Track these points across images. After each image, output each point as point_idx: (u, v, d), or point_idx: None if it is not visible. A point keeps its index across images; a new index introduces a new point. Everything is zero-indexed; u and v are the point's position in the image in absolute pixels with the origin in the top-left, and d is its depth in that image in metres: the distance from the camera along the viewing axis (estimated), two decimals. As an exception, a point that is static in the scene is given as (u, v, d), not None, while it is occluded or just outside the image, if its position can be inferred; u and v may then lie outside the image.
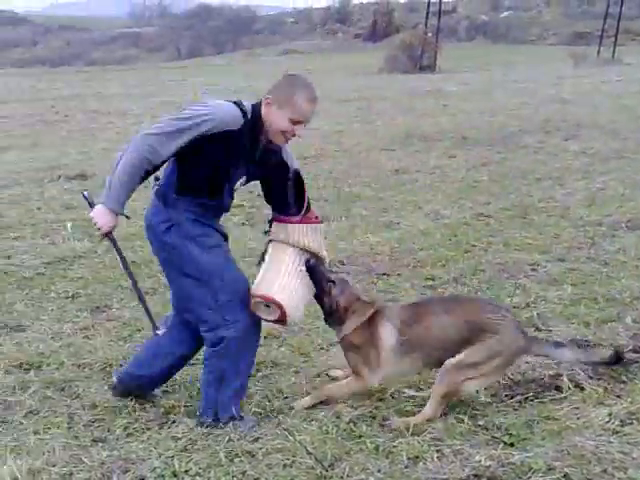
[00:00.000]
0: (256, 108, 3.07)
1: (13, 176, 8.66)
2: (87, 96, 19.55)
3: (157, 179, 3.14)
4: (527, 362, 3.59)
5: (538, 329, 4.08)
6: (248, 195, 7.83)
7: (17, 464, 2.77)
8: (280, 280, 3.14)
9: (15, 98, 18.77)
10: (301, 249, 3.23)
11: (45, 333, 4.11)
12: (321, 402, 3.31)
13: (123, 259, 3.15)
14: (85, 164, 9.46)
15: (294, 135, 3.06)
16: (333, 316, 3.32)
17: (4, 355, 3.79)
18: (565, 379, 3.42)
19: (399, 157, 10.28)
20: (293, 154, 3.29)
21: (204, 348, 3.22)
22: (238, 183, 3.20)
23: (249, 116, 3.02)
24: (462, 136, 11.88)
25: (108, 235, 2.99)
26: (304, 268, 3.21)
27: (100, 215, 2.93)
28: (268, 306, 3.11)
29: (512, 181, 8.33)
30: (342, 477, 2.76)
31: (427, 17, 31.96)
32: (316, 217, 3.34)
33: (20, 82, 24.75)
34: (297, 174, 3.27)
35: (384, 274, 5.26)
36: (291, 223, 3.25)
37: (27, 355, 3.79)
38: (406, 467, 2.87)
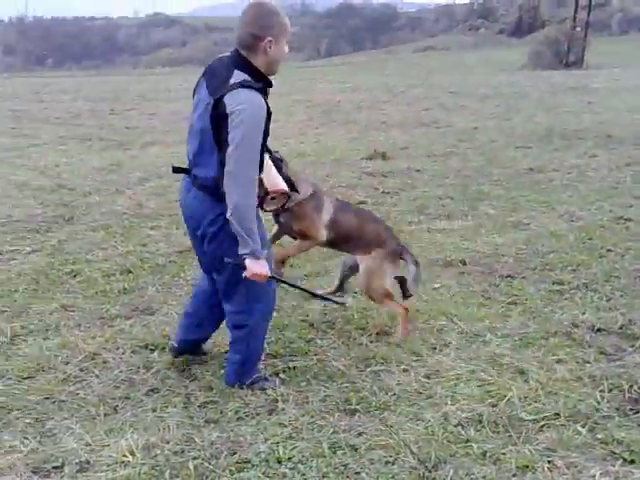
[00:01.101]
0: (251, 71, 3.05)
1: (155, 170, 9.21)
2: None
3: (189, 173, 3.20)
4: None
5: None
6: (372, 191, 7.86)
7: (134, 438, 2.96)
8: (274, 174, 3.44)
9: (163, 97, 19.92)
10: None
11: (171, 317, 4.34)
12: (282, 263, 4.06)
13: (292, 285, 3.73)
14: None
15: None
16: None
17: (133, 336, 4.04)
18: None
19: (535, 155, 9.86)
20: None
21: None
22: None
23: (257, 86, 3.02)
24: (606, 134, 11.21)
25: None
26: None
27: (258, 267, 3.09)
28: (274, 198, 3.43)
29: (658, 183, 7.75)
30: (444, 480, 2.71)
31: (576, 11, 30.44)
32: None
33: (169, 81, 26.25)
34: None
35: (508, 276, 5.07)
36: None
37: (153, 337, 4.02)
38: (514, 475, 2.77)
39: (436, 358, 3.78)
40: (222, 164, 3.02)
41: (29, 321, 4.32)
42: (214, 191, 3.11)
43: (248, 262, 3.07)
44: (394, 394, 3.40)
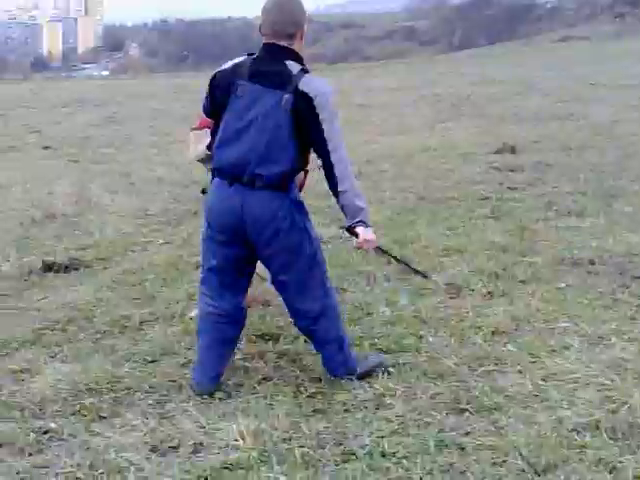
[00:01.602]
0: (298, 58, 3.18)
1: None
2: (354, 90, 20.47)
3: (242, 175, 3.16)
4: None
5: None
6: (497, 187, 7.63)
7: (245, 424, 3.05)
8: None
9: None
10: None
11: (285, 310, 4.43)
12: None
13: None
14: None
15: None
16: None
17: (250, 325, 4.16)
18: None
19: (681, 150, 9.15)
20: None
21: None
22: None
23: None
24: None
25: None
26: None
27: (370, 234, 3.22)
28: None
29: None
30: (554, 486, 2.59)
31: None
32: None
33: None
34: None
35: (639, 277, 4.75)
36: None
37: (268, 327, 4.14)
38: (632, 487, 2.60)
39: (555, 361, 3.61)
40: (299, 156, 3.11)
41: (157, 308, 4.58)
42: (281, 186, 3.16)
43: (362, 229, 3.18)
44: (507, 396, 3.29)
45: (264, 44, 3.20)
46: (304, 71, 3.13)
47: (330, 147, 3.13)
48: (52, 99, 20.18)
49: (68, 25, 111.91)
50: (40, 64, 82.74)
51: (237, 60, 3.25)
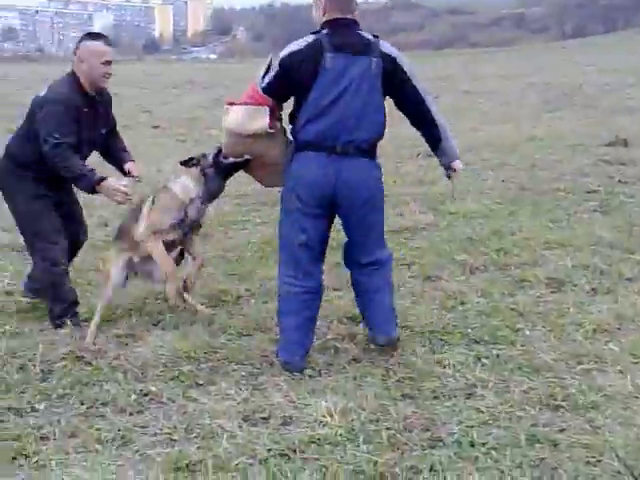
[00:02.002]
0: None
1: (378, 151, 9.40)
2: (460, 77, 20.09)
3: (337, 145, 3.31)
4: None
5: None
6: (607, 180, 7.30)
7: (333, 401, 3.09)
8: None
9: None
10: None
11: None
12: None
13: None
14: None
15: None
16: None
17: (338, 307, 4.21)
18: None
19: None
20: None
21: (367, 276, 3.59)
22: None
23: None
24: None
25: None
26: None
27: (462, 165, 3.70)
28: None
29: None
30: (653, 491, 2.47)
31: None
32: None
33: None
34: None
35: None
36: None
37: (356, 309, 4.15)
38: None
39: (661, 364, 3.44)
40: (385, 120, 3.39)
41: (252, 285, 4.70)
42: (371, 151, 3.40)
43: (458, 163, 3.65)
44: (605, 395, 3.16)
45: (334, 19, 3.36)
46: (376, 37, 3.38)
47: (428, 103, 3.47)
48: (163, 80, 20.99)
49: (179, 8, 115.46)
50: (152, 46, 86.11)
51: (308, 39, 3.35)
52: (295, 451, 2.78)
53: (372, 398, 3.16)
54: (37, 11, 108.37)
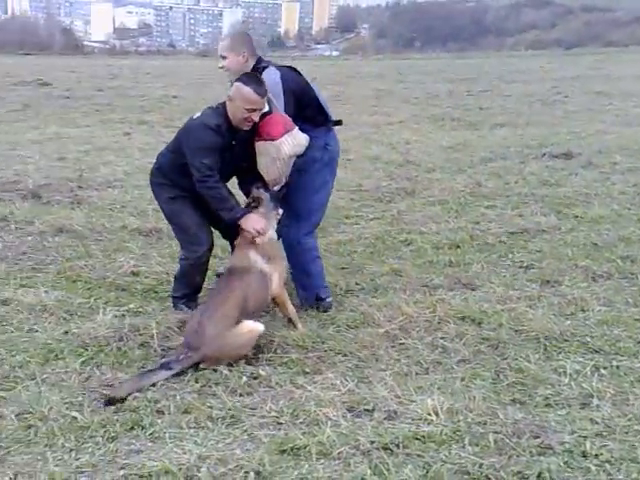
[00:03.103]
0: None
1: (501, 150, 9.16)
2: (592, 77, 19.14)
3: None
4: None
5: None
6: None
7: (440, 400, 3.06)
8: None
9: (522, 79, 19.56)
10: None
11: (492, 295, 4.33)
12: None
13: None
14: (573, 144, 9.37)
15: None
16: None
17: (451, 307, 4.13)
18: None
19: None
20: None
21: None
22: None
23: None
24: None
25: None
26: None
27: None
28: None
29: None
30: None
31: None
32: None
33: (529, 63, 25.63)
34: None
35: None
36: None
37: (471, 311, 4.06)
38: None
39: None
40: None
41: (362, 279, 4.72)
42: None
43: None
44: None
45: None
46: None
47: None
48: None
49: (305, 5, 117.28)
50: (277, 43, 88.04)
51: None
52: (398, 446, 2.77)
53: (480, 400, 3.10)
54: (171, 7, 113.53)
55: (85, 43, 60.71)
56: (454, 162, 8.61)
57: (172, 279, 4.31)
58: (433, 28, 76.04)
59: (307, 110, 4.13)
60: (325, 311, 4.19)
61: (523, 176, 7.66)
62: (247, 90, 3.78)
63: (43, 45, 45.90)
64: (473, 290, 4.44)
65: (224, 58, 4.10)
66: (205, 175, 3.82)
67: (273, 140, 3.84)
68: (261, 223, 3.86)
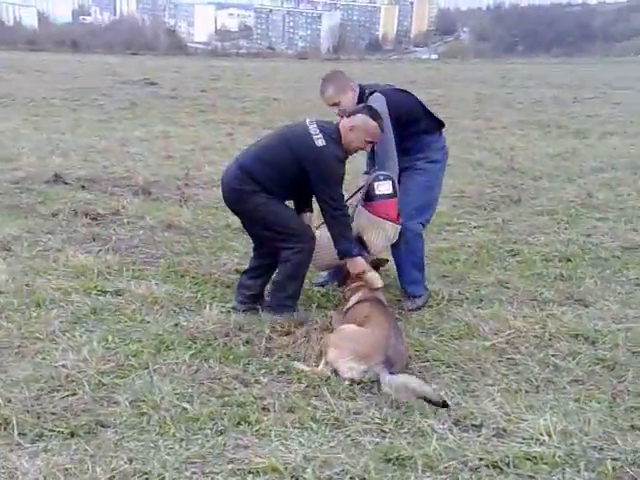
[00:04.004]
0: None
1: (611, 160, 8.78)
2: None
3: None
4: None
5: None
6: None
7: (552, 421, 2.93)
8: None
9: (632, 86, 18.69)
10: None
11: (607, 312, 4.13)
12: None
13: None
14: None
15: None
16: None
17: (563, 323, 3.97)
18: None
19: None
20: None
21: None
22: None
23: None
24: None
25: None
26: None
27: None
28: None
29: None
30: None
31: None
32: None
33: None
34: None
35: None
36: None
37: (584, 328, 3.89)
38: None
39: None
40: None
41: (465, 289, 4.61)
42: None
43: None
44: None
45: None
46: None
47: None
48: (382, 80, 21.31)
49: (404, 8, 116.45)
50: (374, 46, 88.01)
51: None
52: (508, 464, 2.68)
53: (596, 424, 2.95)
54: (271, 10, 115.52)
55: (188, 44, 62.86)
56: (562, 171, 8.31)
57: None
58: (536, 32, 73.94)
59: (422, 122, 4.26)
60: (418, 308, 4.30)
61: (637, 188, 7.29)
62: (373, 125, 3.89)
63: (149, 45, 47.87)
64: (586, 307, 4.25)
65: (336, 105, 4.14)
66: (342, 204, 3.95)
67: (394, 223, 4.13)
68: (362, 272, 4.00)
